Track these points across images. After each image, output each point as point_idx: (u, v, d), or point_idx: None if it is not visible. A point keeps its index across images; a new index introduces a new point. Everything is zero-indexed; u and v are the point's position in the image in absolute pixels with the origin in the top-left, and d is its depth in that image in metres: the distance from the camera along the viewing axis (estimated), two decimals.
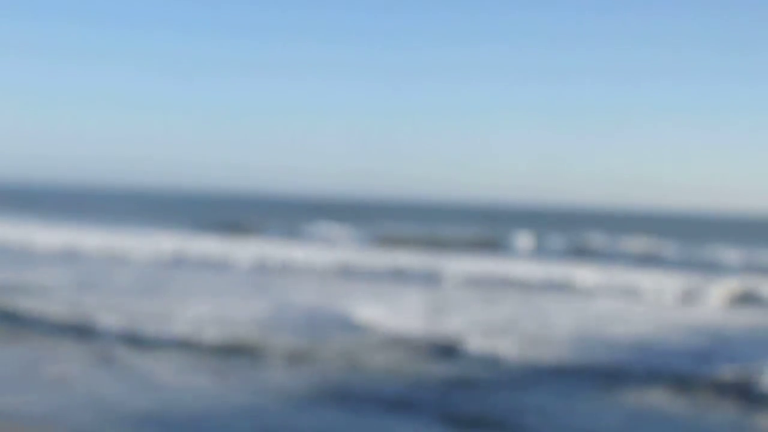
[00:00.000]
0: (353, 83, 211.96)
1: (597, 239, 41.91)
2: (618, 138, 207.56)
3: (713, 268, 30.41)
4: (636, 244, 40.58)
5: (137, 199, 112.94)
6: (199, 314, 15.08)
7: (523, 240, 41.16)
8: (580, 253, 37.03)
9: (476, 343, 12.82)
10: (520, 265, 27.43)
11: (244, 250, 29.34)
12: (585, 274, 23.73)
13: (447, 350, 12.54)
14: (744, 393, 10.31)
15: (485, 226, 57.15)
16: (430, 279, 23.40)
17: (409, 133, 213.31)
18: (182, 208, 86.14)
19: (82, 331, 13.45)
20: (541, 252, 37.68)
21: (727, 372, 11.19)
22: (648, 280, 22.53)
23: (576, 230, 52.36)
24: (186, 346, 12.52)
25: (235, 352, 12.14)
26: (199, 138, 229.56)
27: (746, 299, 20.52)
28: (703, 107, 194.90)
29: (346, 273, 24.76)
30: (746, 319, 17.68)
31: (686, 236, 54.09)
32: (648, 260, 34.30)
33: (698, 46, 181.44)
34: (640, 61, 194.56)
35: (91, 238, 31.98)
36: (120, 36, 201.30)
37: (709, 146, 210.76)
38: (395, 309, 16.61)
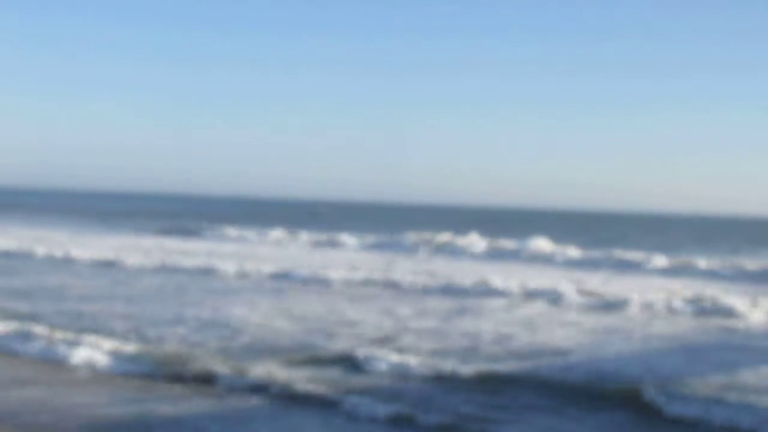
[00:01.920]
0: (351, 78, 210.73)
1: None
2: (617, 134, 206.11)
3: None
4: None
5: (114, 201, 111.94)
6: None
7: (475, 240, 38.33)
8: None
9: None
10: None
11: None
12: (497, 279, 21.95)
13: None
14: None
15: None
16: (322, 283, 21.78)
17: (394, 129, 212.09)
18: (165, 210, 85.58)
19: None
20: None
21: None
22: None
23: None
24: None
25: None
26: (185, 140, 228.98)
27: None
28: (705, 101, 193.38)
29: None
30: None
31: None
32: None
33: (697, 40, 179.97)
34: (643, 55, 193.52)
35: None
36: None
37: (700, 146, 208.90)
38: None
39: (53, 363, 11.07)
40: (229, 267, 24.08)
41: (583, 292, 19.97)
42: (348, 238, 39.80)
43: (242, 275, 23.08)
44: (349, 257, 31.63)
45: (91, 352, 11.17)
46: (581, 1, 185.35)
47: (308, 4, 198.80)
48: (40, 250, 27.63)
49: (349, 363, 11.27)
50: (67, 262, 25.55)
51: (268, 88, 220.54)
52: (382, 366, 11.05)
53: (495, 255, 34.18)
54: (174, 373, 10.41)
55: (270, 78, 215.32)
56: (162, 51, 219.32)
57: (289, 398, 9.45)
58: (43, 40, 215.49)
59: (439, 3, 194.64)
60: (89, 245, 31.49)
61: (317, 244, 39.13)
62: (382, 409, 8.90)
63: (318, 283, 21.64)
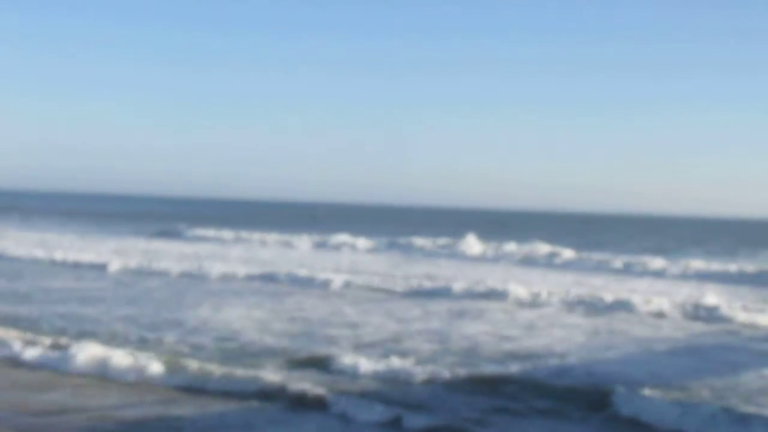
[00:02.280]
0: (351, 78, 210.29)
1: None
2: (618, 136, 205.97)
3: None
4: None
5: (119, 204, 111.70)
6: None
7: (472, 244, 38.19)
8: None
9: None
10: None
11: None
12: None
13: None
14: None
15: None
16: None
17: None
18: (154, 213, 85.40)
19: None
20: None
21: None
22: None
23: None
24: None
25: None
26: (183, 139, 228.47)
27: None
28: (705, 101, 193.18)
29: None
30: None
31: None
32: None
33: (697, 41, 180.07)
34: (643, 56, 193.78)
35: None
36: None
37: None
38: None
39: (51, 367, 11.01)
40: (225, 269, 24.08)
41: (582, 295, 19.96)
42: (347, 241, 39.80)
43: (237, 278, 23.04)
44: (348, 260, 31.64)
45: (90, 355, 11.14)
46: (581, 1, 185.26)
47: (308, 5, 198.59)
48: (39, 254, 27.63)
49: (346, 366, 11.20)
50: (65, 265, 25.50)
51: (268, 89, 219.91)
52: (380, 368, 11.01)
53: (494, 258, 34.17)
54: (171, 376, 10.40)
55: (270, 78, 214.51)
56: (162, 51, 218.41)
57: (286, 401, 9.41)
58: (43, 40, 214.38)
59: (440, 3, 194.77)
60: (87, 249, 31.47)
61: (316, 247, 39.08)
62: (379, 412, 8.88)
63: (314, 285, 21.59)
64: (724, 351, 13.73)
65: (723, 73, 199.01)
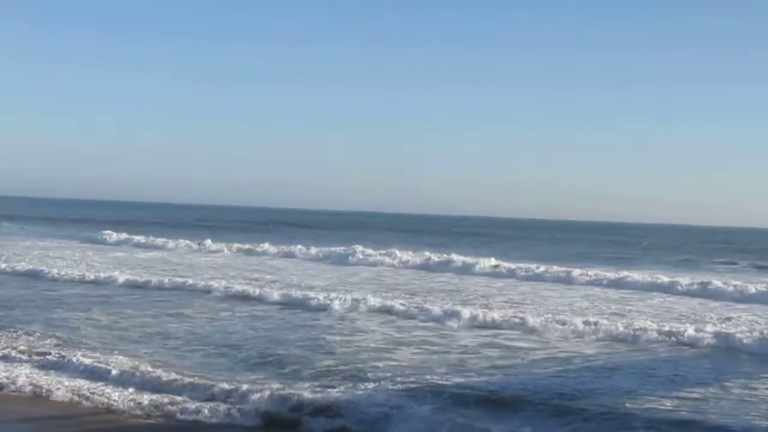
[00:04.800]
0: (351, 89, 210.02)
1: None
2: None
3: None
4: None
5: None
6: None
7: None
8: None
9: None
10: None
11: None
12: None
13: None
14: None
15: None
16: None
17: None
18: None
19: None
20: None
21: None
22: None
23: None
24: None
25: None
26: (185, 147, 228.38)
27: None
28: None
29: None
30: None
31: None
32: None
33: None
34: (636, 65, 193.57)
35: None
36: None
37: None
38: None
39: None
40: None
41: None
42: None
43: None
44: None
45: None
46: (580, 10, 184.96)
47: (328, 18, 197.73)
48: None
49: None
50: None
51: (269, 99, 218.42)
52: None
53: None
54: None
55: (275, 89, 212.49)
56: (167, 60, 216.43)
57: None
58: (46, 50, 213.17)
59: (448, 14, 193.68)
60: None
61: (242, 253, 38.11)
62: None
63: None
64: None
65: (722, 79, 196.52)
